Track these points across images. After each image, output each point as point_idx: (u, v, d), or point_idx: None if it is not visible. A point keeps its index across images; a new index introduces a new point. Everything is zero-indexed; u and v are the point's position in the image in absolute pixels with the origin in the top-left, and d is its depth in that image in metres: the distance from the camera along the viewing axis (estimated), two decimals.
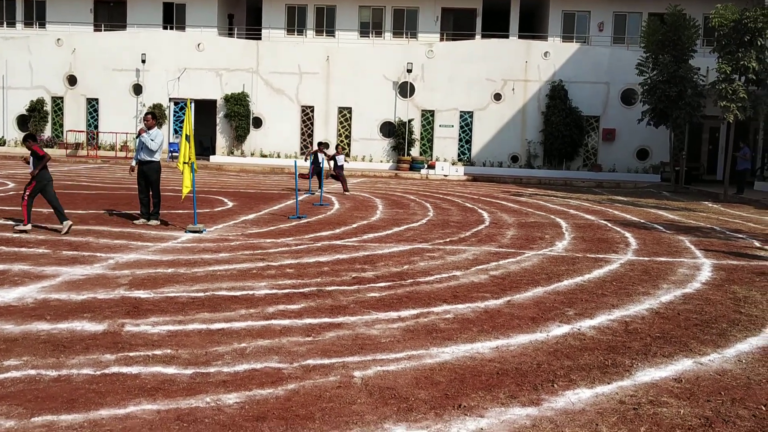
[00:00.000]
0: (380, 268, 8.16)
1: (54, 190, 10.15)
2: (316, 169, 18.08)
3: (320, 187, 16.95)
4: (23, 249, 8.54)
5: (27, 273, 7.22)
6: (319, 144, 19.19)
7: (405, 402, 4.14)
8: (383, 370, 4.69)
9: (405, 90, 31.63)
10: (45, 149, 9.90)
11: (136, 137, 11.16)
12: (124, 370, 4.50)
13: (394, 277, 7.71)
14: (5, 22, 36.46)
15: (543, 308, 6.53)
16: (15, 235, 9.57)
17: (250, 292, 6.73)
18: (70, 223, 9.98)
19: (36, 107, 33.72)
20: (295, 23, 34.30)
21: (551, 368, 4.84)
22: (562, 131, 29.72)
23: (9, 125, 34.58)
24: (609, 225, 13.36)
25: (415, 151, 31.72)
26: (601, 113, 31.00)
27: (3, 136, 34.46)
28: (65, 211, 10.36)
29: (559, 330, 5.81)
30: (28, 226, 9.84)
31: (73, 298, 6.27)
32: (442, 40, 33.46)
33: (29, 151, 9.95)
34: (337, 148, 21.41)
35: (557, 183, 27.06)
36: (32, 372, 4.40)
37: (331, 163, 18.90)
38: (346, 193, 18.47)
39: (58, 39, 33.90)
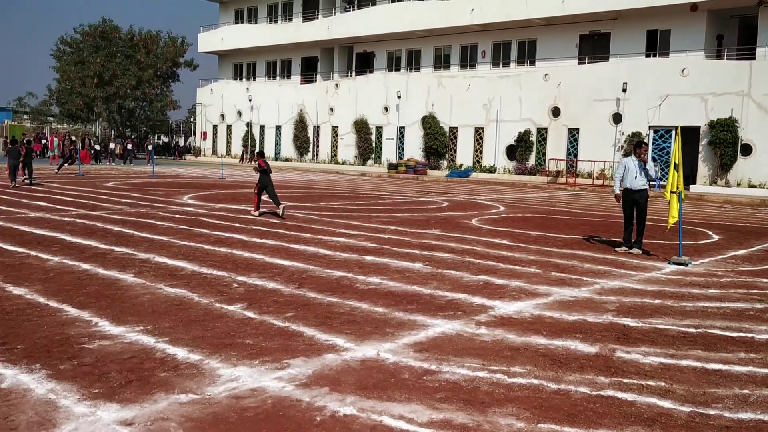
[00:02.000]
0: None
1: (273, 188, 14.58)
2: None
3: None
4: (517, 267, 9.36)
5: (523, 289, 7.88)
6: None
7: None
8: None
9: None
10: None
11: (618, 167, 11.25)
12: (619, 395, 4.53)
13: None
14: (501, 62, 40.77)
15: None
16: (509, 254, 10.55)
17: (749, 335, 6.14)
18: (283, 205, 14.37)
19: (523, 138, 36.82)
20: None
21: None
22: None
23: (500, 154, 38.47)
24: None
25: None
26: None
27: (494, 164, 38.48)
28: None
29: None
30: (257, 213, 14.58)
31: (565, 317, 6.60)
32: None
33: (256, 163, 14.80)
34: None
35: None
36: (535, 381, 4.75)
37: None
38: None
39: (546, 74, 36.44)
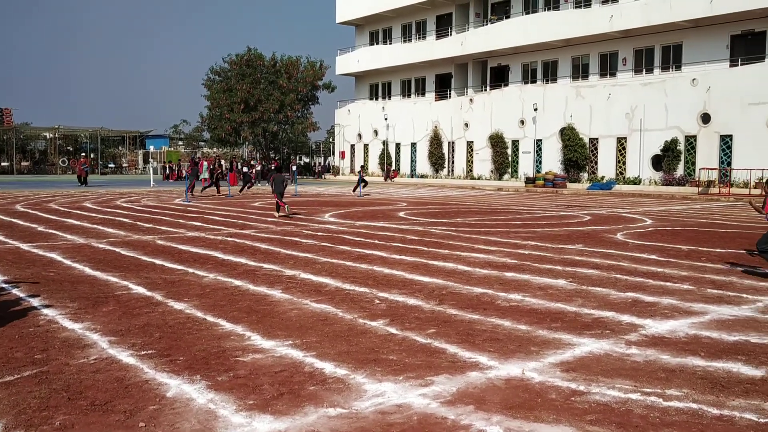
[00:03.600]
0: None
1: None
2: None
3: None
4: (668, 284, 8.86)
5: (675, 307, 7.44)
6: None
7: None
8: None
9: None
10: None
11: None
12: None
13: None
14: (644, 69, 39.03)
15: None
16: (659, 269, 10.01)
17: None
18: None
19: (670, 147, 34.98)
20: None
21: None
22: None
23: (644, 165, 36.73)
24: None
25: None
26: None
27: (639, 175, 36.79)
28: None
29: None
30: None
31: (725, 338, 6.16)
32: None
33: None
34: None
35: None
36: (694, 406, 4.46)
37: None
38: None
39: (693, 79, 34.50)
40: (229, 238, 13.71)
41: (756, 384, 4.91)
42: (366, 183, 31.42)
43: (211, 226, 16.20)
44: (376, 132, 55.84)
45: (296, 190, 32.70)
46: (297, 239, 13.57)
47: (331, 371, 5.14)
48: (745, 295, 8.11)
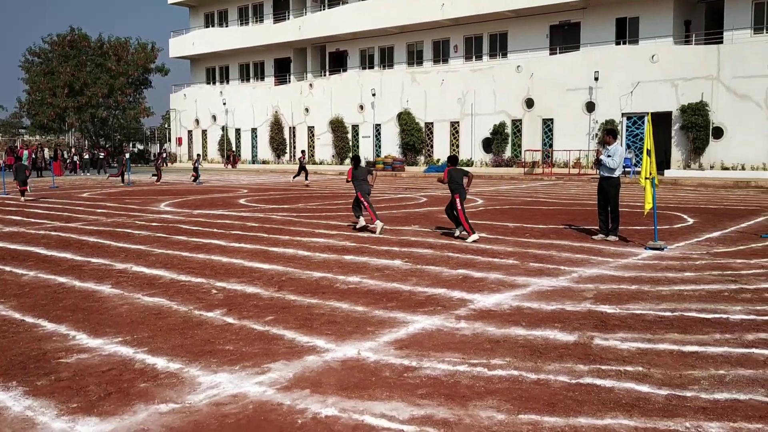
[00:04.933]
0: None
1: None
2: None
3: None
4: (495, 259, 9.41)
5: (501, 281, 7.93)
6: None
7: None
8: None
9: None
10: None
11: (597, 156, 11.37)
12: (598, 382, 4.58)
13: None
14: (474, 56, 40.90)
15: None
16: (487, 246, 10.60)
17: (724, 316, 6.23)
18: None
19: (498, 130, 37.00)
20: (764, 20, 30.86)
21: None
22: None
23: (476, 147, 38.62)
24: None
25: None
26: None
27: (471, 158, 38.62)
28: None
29: None
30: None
31: (544, 307, 6.66)
32: None
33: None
34: None
35: None
36: (515, 372, 4.79)
37: None
38: None
39: (518, 66, 36.64)
40: (53, 232, 12.79)
41: (569, 348, 5.35)
42: (306, 171, 28.14)
43: (33, 220, 15.02)
44: (214, 117, 54.27)
45: (129, 179, 31.06)
46: (129, 231, 12.92)
47: (164, 366, 4.98)
48: (563, 267, 8.79)
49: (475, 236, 11.08)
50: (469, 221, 11.46)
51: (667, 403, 4.22)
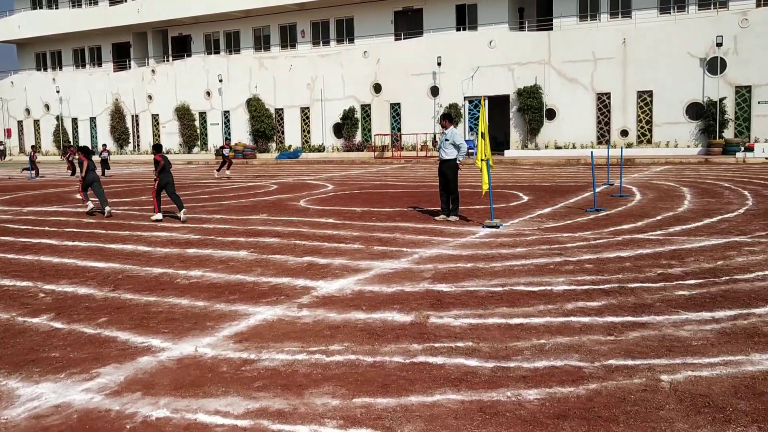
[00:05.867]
0: (690, 264, 7.55)
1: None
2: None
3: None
4: (341, 245, 9.52)
5: (346, 266, 8.04)
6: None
7: (722, 412, 3.78)
8: (695, 375, 4.33)
9: (714, 66, 28.79)
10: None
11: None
12: (430, 359, 4.77)
13: (705, 273, 7.07)
14: (321, 41, 40.89)
15: None
16: (334, 232, 10.70)
17: (548, 288, 6.69)
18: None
19: (348, 115, 37.32)
20: (587, 9, 33.20)
21: None
22: None
23: (327, 133, 38.74)
24: None
25: (728, 133, 28.71)
26: None
27: (323, 143, 38.71)
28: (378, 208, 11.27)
29: None
30: (159, 216, 12.75)
31: (384, 290, 6.83)
32: (759, 6, 29.72)
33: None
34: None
35: None
36: (352, 357, 4.89)
37: None
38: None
39: (365, 51, 37.07)
40: None
41: (406, 329, 5.53)
42: (230, 163, 24.76)
43: None
44: (47, 106, 50.58)
45: None
46: None
47: None
48: (405, 249, 9.04)
49: (158, 216, 12.62)
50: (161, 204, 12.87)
51: (492, 374, 4.47)
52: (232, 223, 12.00)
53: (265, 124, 40.26)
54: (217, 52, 44.80)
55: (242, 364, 4.81)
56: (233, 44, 44.46)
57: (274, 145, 40.78)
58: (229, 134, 42.21)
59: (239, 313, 6.14)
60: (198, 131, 43.73)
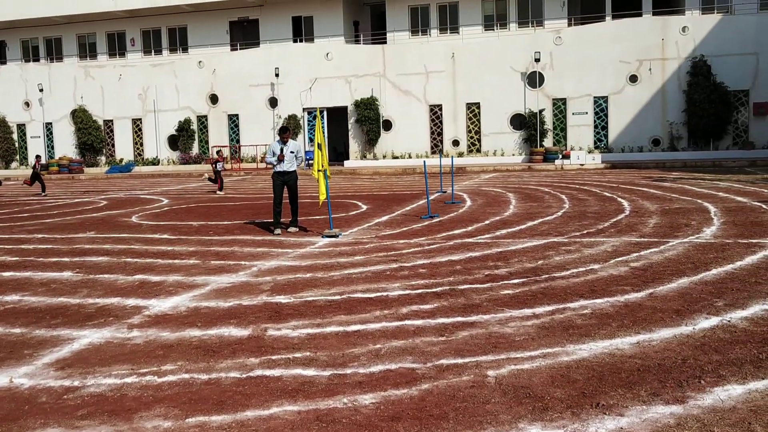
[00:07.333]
0: (514, 264, 8.06)
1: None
2: None
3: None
4: (176, 261, 9.19)
5: (180, 283, 7.77)
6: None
7: (540, 401, 4.07)
8: (517, 368, 4.63)
9: (534, 80, 30.98)
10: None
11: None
12: (267, 372, 4.73)
13: (528, 273, 7.58)
14: (153, 50, 39.32)
15: (689, 300, 6.17)
16: (169, 248, 10.32)
17: (384, 294, 6.86)
18: None
19: (184, 127, 36.15)
20: (419, 24, 34.53)
21: (698, 363, 4.57)
22: (707, 109, 27.96)
23: (162, 145, 37.28)
24: (764, 207, 12.40)
25: (548, 142, 30.98)
26: (750, 87, 28.80)
27: (157, 156, 37.19)
28: (213, 222, 11.00)
29: (706, 322, 5.47)
30: None
31: (221, 305, 6.68)
32: (570, 25, 32.42)
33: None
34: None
35: (704, 165, 25.49)
36: (186, 376, 4.73)
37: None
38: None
39: (200, 61, 36.12)
40: None
41: (242, 343, 5.44)
42: (218, 177, 21.34)
43: None
44: None
45: None
46: None
47: None
48: (243, 262, 8.90)
49: None
50: None
51: (329, 383, 4.51)
52: (56, 243, 11.21)
53: (92, 136, 37.96)
54: (37, 59, 41.72)
55: (64, 392, 4.50)
56: (55, 51, 41.59)
57: (104, 158, 38.57)
58: (53, 148, 39.39)
59: (62, 338, 5.74)
60: (16, 144, 40.40)
